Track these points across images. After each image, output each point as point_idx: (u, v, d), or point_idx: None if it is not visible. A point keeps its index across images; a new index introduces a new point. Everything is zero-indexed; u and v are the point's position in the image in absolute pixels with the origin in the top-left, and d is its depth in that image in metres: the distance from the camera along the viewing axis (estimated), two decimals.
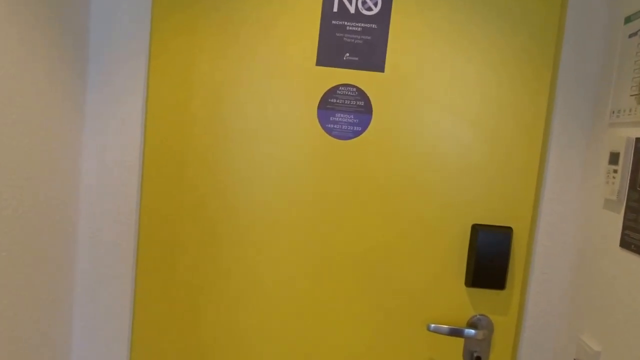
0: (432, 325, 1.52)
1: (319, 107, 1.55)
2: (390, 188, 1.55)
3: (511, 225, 1.54)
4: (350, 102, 1.54)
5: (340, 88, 1.54)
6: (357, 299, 1.59)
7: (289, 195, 1.58)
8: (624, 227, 1.24)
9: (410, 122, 1.53)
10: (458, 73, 1.52)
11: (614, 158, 1.30)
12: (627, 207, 1.24)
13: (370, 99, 1.53)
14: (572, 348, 1.45)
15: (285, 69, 1.55)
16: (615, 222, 1.29)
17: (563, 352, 1.50)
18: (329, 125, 1.55)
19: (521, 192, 1.53)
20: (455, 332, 1.51)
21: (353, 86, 1.54)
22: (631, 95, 1.27)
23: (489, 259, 1.50)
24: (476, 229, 1.51)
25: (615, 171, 1.29)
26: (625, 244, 1.23)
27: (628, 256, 1.22)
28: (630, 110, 1.27)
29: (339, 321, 1.60)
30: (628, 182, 1.25)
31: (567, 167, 1.51)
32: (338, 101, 1.54)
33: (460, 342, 1.57)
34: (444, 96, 1.52)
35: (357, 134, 1.54)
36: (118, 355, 1.60)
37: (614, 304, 1.26)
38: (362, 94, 1.53)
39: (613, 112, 1.36)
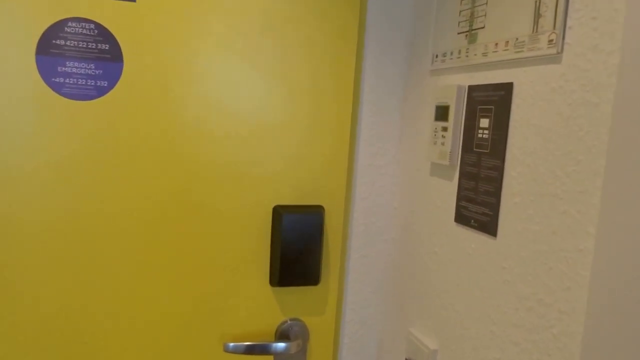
0: (231, 344, 1.14)
1: (37, 52, 1.00)
2: (157, 167, 1.09)
3: (322, 204, 1.22)
4: (87, 45, 1.02)
5: (70, 24, 1.01)
6: (134, 317, 1.12)
7: (9, 186, 1.01)
8: (460, 198, 1.00)
9: (183, 74, 1.08)
10: (246, 2, 1.11)
11: (441, 113, 1.05)
12: (462, 174, 1.00)
13: (119, 40, 1.04)
14: (402, 344, 1.21)
15: None
16: (447, 191, 1.05)
17: (391, 349, 1.26)
18: (57, 80, 1.01)
19: (332, 162, 1.21)
20: (261, 349, 1.15)
21: (90, 21, 1.02)
22: (459, 33, 1.02)
23: (298, 250, 1.16)
24: (279, 212, 1.16)
25: (444, 129, 1.04)
26: (461, 218, 1.00)
27: (466, 234, 0.99)
28: (459, 52, 1.02)
29: (120, 339, 1.11)
30: (461, 142, 1.01)
31: (383, 128, 1.24)
32: (68, 43, 1.01)
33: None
34: (228, 36, 1.10)
35: (102, 91, 1.03)
36: None
37: (451, 292, 1.03)
38: (105, 34, 1.03)
39: (436, 56, 1.11)
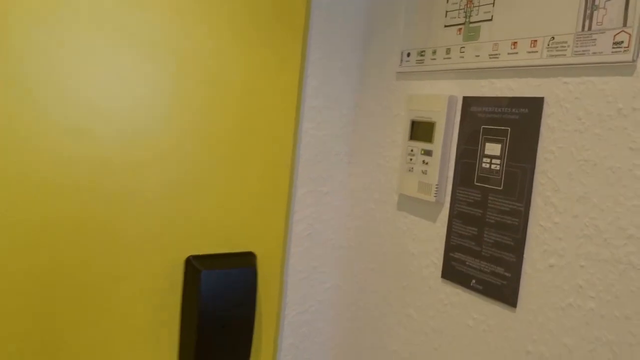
0: None
1: None
2: (8, 210, 0.68)
3: (253, 249, 0.89)
4: None
5: None
6: None
7: None
8: (451, 247, 0.75)
9: (54, 68, 0.68)
10: None
11: (422, 131, 0.79)
12: (456, 215, 0.74)
13: None
14: None
15: None
16: (428, 236, 0.79)
17: None
18: None
19: (266, 191, 0.89)
20: None
21: None
22: (448, 27, 0.76)
23: (223, 321, 0.82)
24: (195, 267, 0.81)
25: (426, 152, 0.77)
26: (454, 275, 0.74)
27: (463, 297, 0.73)
28: (447, 52, 0.76)
29: None
30: (452, 171, 0.75)
31: (329, 144, 0.94)
32: None
33: None
34: (125, 17, 0.72)
35: None
36: None
37: None
38: None
39: (407, 55, 0.83)
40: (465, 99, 0.73)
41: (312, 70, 0.91)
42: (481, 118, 0.70)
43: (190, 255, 0.82)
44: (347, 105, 0.95)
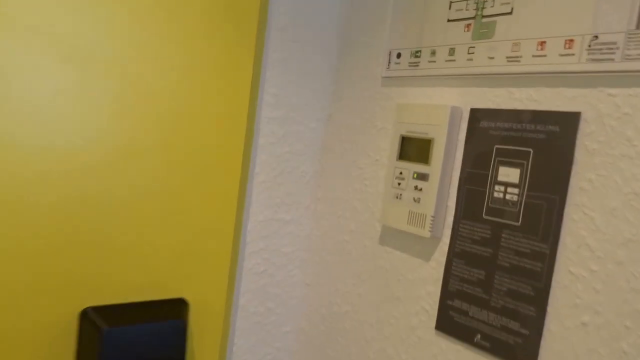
0: None
1: None
2: None
3: (185, 295, 0.71)
4: None
5: None
6: None
7: None
8: (448, 294, 0.61)
9: None
10: None
11: (415, 149, 0.64)
12: (457, 254, 0.60)
13: None
14: None
15: None
16: (418, 277, 0.64)
17: None
18: None
19: (205, 225, 0.72)
20: None
21: None
22: (452, 21, 0.62)
23: None
24: (93, 322, 0.62)
25: (421, 177, 0.63)
26: (452, 327, 0.60)
27: (464, 355, 0.59)
28: (451, 52, 0.62)
29: None
30: (454, 201, 0.61)
31: (292, 162, 0.78)
32: None
33: None
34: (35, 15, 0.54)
35: None
36: None
37: None
38: None
39: (397, 56, 0.69)
40: (473, 111, 0.60)
41: (271, 74, 0.75)
42: (494, 136, 0.57)
43: (89, 307, 0.63)
44: (316, 116, 0.80)
